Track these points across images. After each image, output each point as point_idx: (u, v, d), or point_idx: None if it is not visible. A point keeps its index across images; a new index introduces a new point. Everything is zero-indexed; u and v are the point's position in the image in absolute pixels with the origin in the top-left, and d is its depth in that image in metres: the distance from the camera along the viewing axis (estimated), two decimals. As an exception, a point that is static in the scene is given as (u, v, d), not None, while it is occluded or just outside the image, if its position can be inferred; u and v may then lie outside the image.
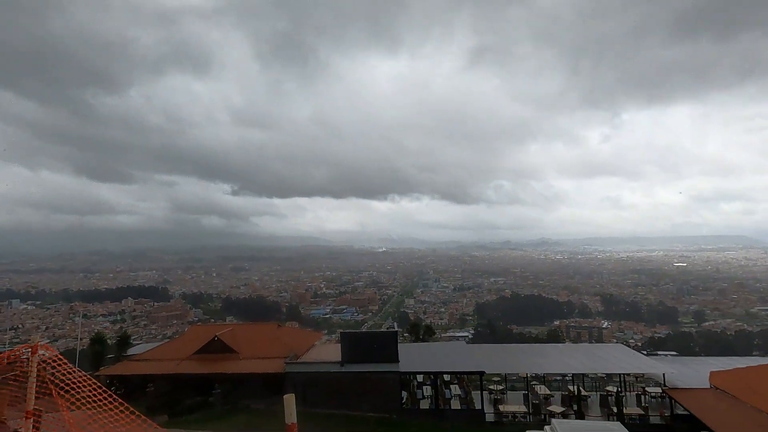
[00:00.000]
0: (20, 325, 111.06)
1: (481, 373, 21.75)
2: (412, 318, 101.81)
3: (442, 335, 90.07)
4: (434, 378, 23.47)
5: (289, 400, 2.42)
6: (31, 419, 3.91)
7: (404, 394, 23.00)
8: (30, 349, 4.42)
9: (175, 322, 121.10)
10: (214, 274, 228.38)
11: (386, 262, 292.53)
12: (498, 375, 27.19)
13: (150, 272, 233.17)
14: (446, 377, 25.63)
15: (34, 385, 3.96)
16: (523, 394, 24.35)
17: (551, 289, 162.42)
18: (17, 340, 75.86)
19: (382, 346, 23.72)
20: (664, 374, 20.97)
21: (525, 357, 24.97)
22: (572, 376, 24.97)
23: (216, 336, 27.75)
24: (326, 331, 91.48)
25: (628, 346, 31.74)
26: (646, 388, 23.73)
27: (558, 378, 31.88)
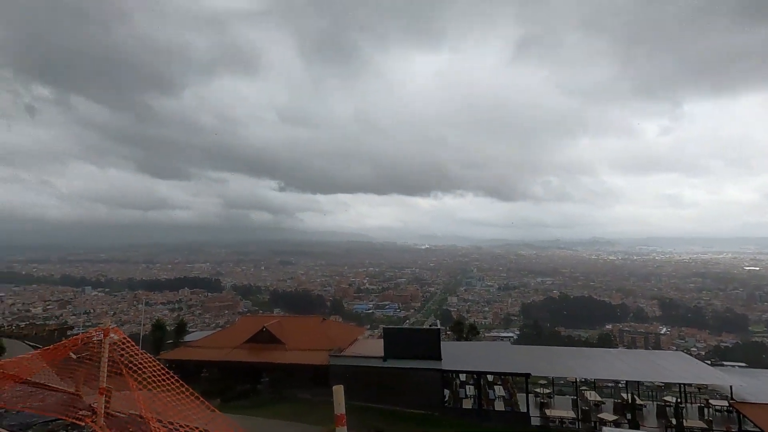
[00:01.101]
0: (92, 310, 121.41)
1: (527, 375, 21.13)
2: (455, 316, 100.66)
3: (486, 335, 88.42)
4: (477, 377, 23.10)
5: (338, 391, 2.48)
6: (104, 396, 4.27)
7: (447, 392, 22.83)
8: (102, 332, 4.80)
9: (226, 312, 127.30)
10: (263, 268, 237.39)
11: (429, 259, 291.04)
12: (545, 378, 26.31)
13: (204, 264, 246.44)
14: (490, 377, 25.16)
15: (106, 364, 4.31)
16: (572, 399, 23.42)
17: (603, 290, 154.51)
18: (89, 323, 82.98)
19: (425, 343, 23.68)
20: (731, 387, 19.37)
21: (574, 360, 23.97)
22: (626, 384, 23.66)
23: (264, 327, 28.91)
24: (369, 326, 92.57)
25: (690, 354, 29.58)
26: (710, 401, 22.04)
27: (610, 384, 30.35)
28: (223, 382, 25.14)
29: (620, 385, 26.97)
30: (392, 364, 23.26)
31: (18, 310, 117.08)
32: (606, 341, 78.80)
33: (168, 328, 37.58)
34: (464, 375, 25.39)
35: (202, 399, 4.08)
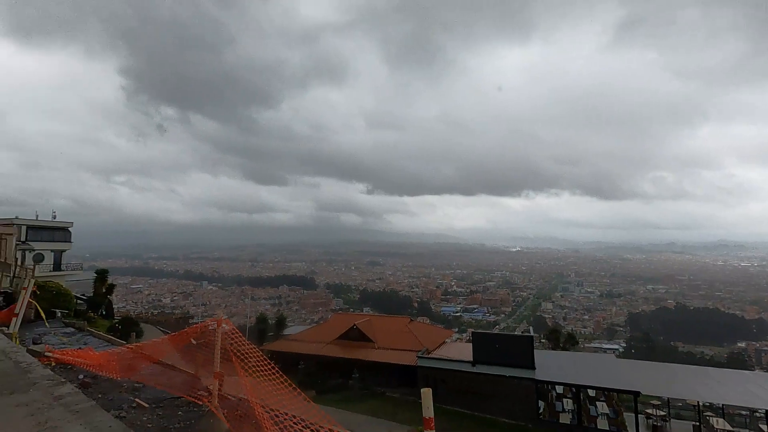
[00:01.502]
0: (208, 302, 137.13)
1: (636, 394, 19.00)
2: (549, 323, 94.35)
3: (586, 345, 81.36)
4: (576, 391, 21.36)
5: (427, 394, 2.47)
6: (218, 380, 4.78)
7: (541, 404, 21.49)
8: (215, 323, 5.36)
9: (320, 309, 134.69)
10: (353, 267, 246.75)
11: (520, 262, 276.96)
12: (657, 398, 23.40)
13: (300, 263, 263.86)
14: (591, 392, 23.11)
15: (219, 352, 4.82)
16: (693, 425, 20.50)
17: (733, 302, 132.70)
18: (206, 314, 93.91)
19: (517, 350, 22.57)
20: None
21: (695, 381, 20.95)
22: (766, 414, 20.02)
23: (354, 325, 30.02)
24: (457, 330, 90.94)
25: None
26: None
27: (744, 413, 25.94)
28: (317, 375, 26.65)
29: (758, 414, 22.91)
30: (482, 369, 22.58)
31: (152, 299, 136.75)
32: (738, 361, 67.55)
33: (270, 321, 40.94)
34: (561, 387, 23.69)
35: (298, 390, 4.37)
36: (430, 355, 25.22)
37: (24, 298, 8.72)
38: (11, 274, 16.36)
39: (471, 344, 24.21)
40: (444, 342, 30.19)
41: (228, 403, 5.28)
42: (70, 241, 40.31)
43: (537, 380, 21.28)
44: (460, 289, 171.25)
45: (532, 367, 21.74)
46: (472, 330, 31.89)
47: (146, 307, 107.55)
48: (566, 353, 29.28)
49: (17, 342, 7.24)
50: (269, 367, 4.60)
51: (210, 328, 6.85)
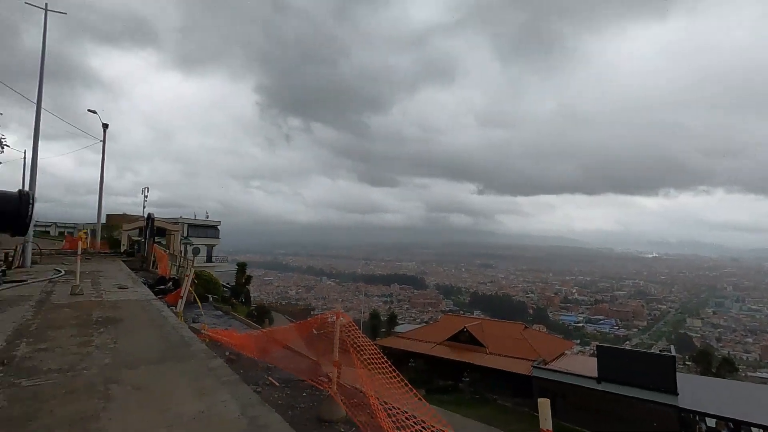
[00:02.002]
0: (326, 296, 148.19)
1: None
2: (698, 344, 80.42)
3: (750, 374, 67.30)
4: (735, 427, 17.84)
5: (545, 405, 2.33)
6: (336, 368, 5.15)
7: (686, 436, 18.50)
8: (335, 315, 5.78)
9: (430, 309, 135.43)
10: (463, 269, 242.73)
11: (658, 270, 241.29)
12: None
13: (410, 263, 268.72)
14: (756, 430, 19.08)
15: (338, 342, 5.19)
16: None
17: None
18: (325, 307, 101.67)
19: (654, 370, 19.77)
20: None
21: None
22: None
23: (465, 327, 29.52)
24: (578, 341, 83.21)
25: None
26: None
27: None
28: (427, 374, 26.87)
29: None
30: (608, 388, 20.30)
31: (281, 291, 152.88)
32: None
33: (382, 317, 42.57)
34: (713, 420, 20.03)
35: (410, 386, 4.48)
36: (547, 366, 23.55)
37: (186, 284, 10.58)
38: (177, 264, 19.87)
39: (596, 358, 21.93)
40: (563, 353, 27.91)
41: (345, 391, 5.66)
42: (218, 237, 47.34)
43: (680, 408, 18.36)
44: (582, 297, 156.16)
45: (674, 392, 18.83)
46: (597, 343, 28.84)
47: (276, 297, 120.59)
48: (720, 380, 24.68)
49: (182, 320, 8.78)
50: (383, 361, 4.80)
51: (329, 320, 7.42)
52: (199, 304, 11.22)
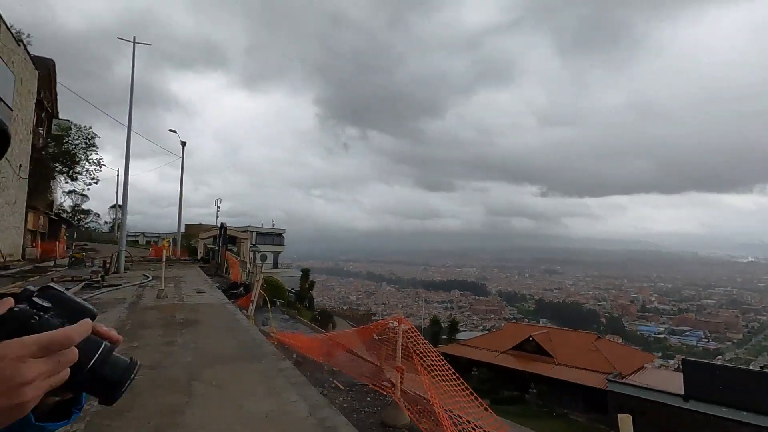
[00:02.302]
0: (387, 302, 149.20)
1: None
2: (808, 361, 70.15)
3: None
4: None
5: (626, 421, 2.18)
6: (399, 373, 5.17)
7: (797, 467, 16.20)
8: (397, 321, 5.81)
9: (492, 316, 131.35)
10: (527, 275, 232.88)
11: (756, 276, 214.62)
12: None
13: (471, 269, 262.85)
14: None
15: (400, 348, 5.21)
16: None
17: None
18: (386, 312, 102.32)
19: (756, 389, 17.58)
20: None
21: None
22: None
23: (531, 336, 28.26)
24: (659, 354, 76.13)
25: None
26: None
27: None
28: (491, 384, 26.03)
29: None
30: (698, 407, 18.37)
31: (342, 296, 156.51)
32: None
33: (442, 324, 42.00)
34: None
35: (475, 395, 4.38)
36: (624, 380, 21.83)
37: (256, 289, 11.23)
38: (247, 270, 21.12)
39: (681, 374, 19.96)
40: (642, 367, 25.74)
41: (408, 397, 5.66)
42: (283, 245, 49.64)
43: (788, 434, 16.15)
44: (663, 306, 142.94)
45: (780, 416, 16.60)
46: (683, 357, 26.21)
47: (337, 302, 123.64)
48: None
49: (253, 323, 9.31)
50: (446, 368, 4.75)
51: (389, 325, 7.47)
52: (269, 308, 11.82)
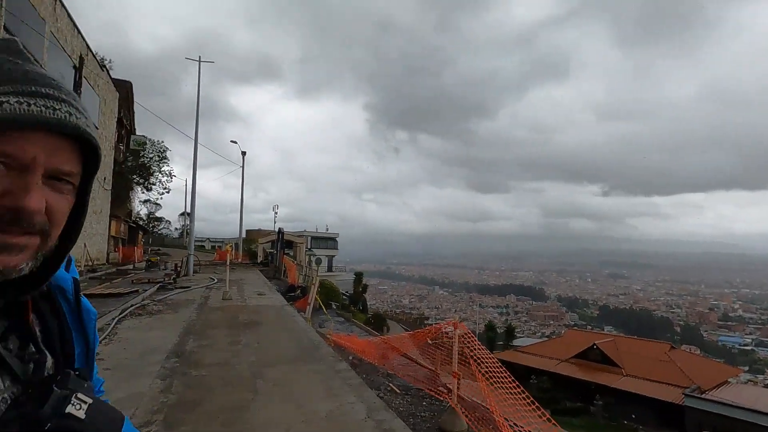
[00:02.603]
0: (439, 306, 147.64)
1: None
2: None
3: None
4: None
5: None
6: (456, 379, 5.10)
7: None
8: (451, 325, 5.74)
9: (551, 322, 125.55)
10: (589, 279, 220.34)
11: None
12: None
13: (527, 273, 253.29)
14: None
15: (457, 353, 5.13)
16: None
17: None
18: (439, 317, 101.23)
19: None
20: None
21: None
22: None
23: (595, 344, 26.67)
24: (746, 368, 68.64)
25: None
26: None
27: None
28: (551, 393, 24.83)
29: None
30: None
31: (394, 299, 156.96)
32: None
33: (498, 330, 40.78)
34: None
35: (537, 404, 4.21)
36: (704, 396, 19.93)
37: (313, 292, 11.59)
38: (303, 273, 21.84)
39: (774, 391, 17.88)
40: (726, 382, 23.37)
41: (465, 403, 5.55)
42: (337, 249, 50.79)
43: None
44: (749, 315, 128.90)
45: None
46: (775, 372, 23.49)
47: (390, 306, 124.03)
48: None
49: (310, 324, 9.61)
50: (505, 375, 4.60)
51: (443, 330, 7.39)
52: (324, 310, 12.15)
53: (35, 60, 0.58)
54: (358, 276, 39.32)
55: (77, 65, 16.01)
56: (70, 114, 0.55)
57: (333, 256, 49.78)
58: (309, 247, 44.17)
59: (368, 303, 42.09)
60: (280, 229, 25.14)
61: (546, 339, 42.86)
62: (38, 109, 0.52)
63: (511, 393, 4.79)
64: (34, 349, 0.65)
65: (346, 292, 38.11)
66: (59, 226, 0.57)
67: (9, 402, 0.53)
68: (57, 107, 0.54)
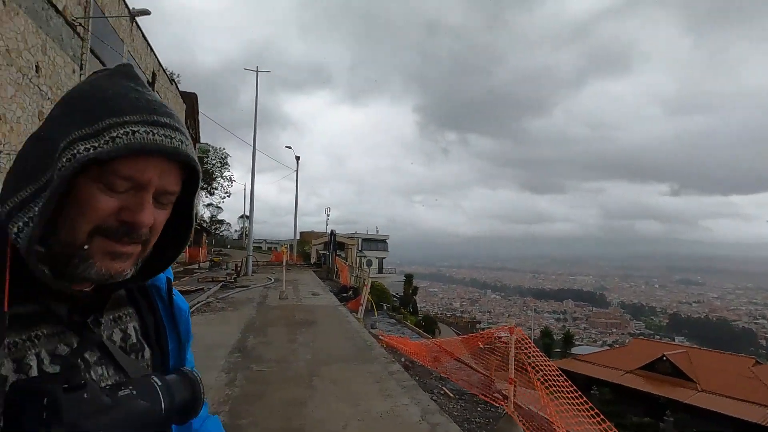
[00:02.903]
0: (492, 310, 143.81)
1: None
2: None
3: None
4: None
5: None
6: (512, 385, 4.95)
7: None
8: (506, 330, 5.59)
9: (614, 330, 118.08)
10: (656, 286, 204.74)
11: None
12: None
13: (587, 277, 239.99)
14: None
15: (513, 358, 4.99)
16: None
17: None
18: (491, 321, 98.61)
19: None
20: None
21: None
22: None
23: (664, 355, 24.74)
24: None
25: None
26: None
27: None
28: (615, 406, 23.32)
29: None
30: None
31: (445, 302, 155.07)
32: None
33: (555, 336, 39.02)
34: None
35: (603, 418, 3.97)
36: (797, 418, 17.82)
37: (365, 293, 11.77)
38: (354, 275, 22.22)
39: None
40: (824, 404, 20.70)
41: (523, 412, 5.37)
42: (387, 250, 51.10)
43: None
44: None
45: None
46: None
47: (441, 308, 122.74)
48: None
49: (362, 325, 9.75)
50: (566, 384, 4.40)
51: (496, 335, 7.20)
52: (375, 311, 12.29)
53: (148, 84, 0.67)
54: (409, 278, 39.30)
55: (150, 81, 17.43)
56: (182, 142, 0.63)
57: (383, 257, 50.15)
58: (360, 248, 44.81)
59: (419, 305, 41.93)
60: (332, 231, 25.78)
61: (608, 348, 40.36)
62: (160, 138, 0.60)
63: (572, 403, 4.56)
64: (135, 341, 0.74)
65: (397, 293, 38.21)
66: (156, 236, 0.66)
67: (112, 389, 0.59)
68: (172, 135, 0.62)
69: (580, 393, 4.24)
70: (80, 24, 10.21)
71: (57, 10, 9.27)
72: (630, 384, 24.10)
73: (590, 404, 4.10)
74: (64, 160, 0.55)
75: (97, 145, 0.56)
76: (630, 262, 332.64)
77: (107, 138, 0.56)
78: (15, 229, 0.55)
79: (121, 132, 0.57)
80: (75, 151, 0.55)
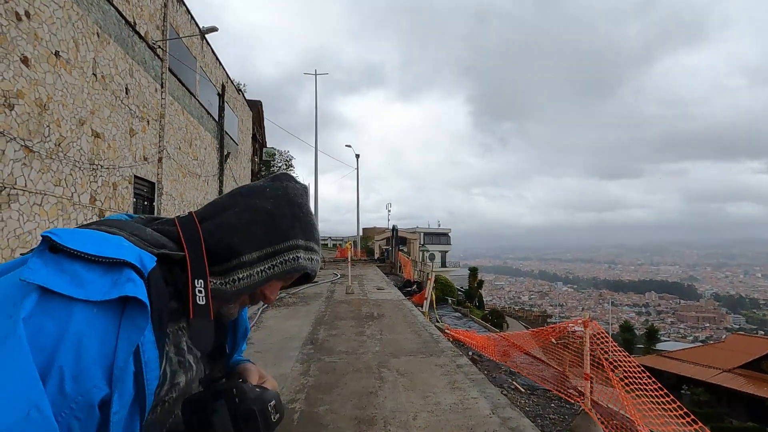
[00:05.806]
0: (564, 303, 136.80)
1: None
2: None
3: None
4: None
5: None
6: (589, 381, 4.72)
7: None
8: (581, 324, 5.33)
9: (707, 325, 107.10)
10: (759, 275, 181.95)
11: None
12: None
13: (672, 267, 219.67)
14: None
15: (588, 353, 4.75)
16: None
17: None
18: (563, 315, 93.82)
19: None
20: None
21: None
22: None
23: (770, 353, 22.01)
24: None
25: None
26: None
27: None
28: (710, 408, 21.23)
29: None
30: None
31: (512, 296, 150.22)
32: None
33: (636, 331, 36.21)
34: None
35: (698, 421, 3.65)
36: None
37: (429, 287, 11.78)
38: (417, 269, 22.27)
39: None
40: None
41: (600, 409, 5.09)
42: (450, 244, 50.57)
43: None
44: None
45: None
46: None
47: (508, 302, 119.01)
48: None
49: (428, 318, 9.78)
50: (650, 383, 4.10)
51: (569, 329, 6.86)
52: (434, 306, 12.25)
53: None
54: (473, 271, 38.59)
55: (220, 92, 18.72)
56: (319, 263, 0.75)
57: (446, 251, 49.67)
58: (422, 243, 44.77)
59: (484, 299, 41.04)
60: (394, 226, 26.02)
61: (700, 344, 36.62)
62: (311, 264, 0.71)
63: (656, 402, 4.25)
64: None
65: (461, 287, 37.70)
66: None
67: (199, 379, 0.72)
68: (317, 259, 0.73)
69: (666, 391, 3.93)
70: (159, 46, 11.24)
71: (140, 36, 10.28)
72: (728, 384, 21.79)
73: (678, 404, 3.78)
74: (291, 257, 0.69)
75: (301, 256, 0.71)
76: (723, 250, 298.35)
77: (293, 256, 0.71)
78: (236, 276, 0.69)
79: (301, 254, 0.71)
80: (297, 255, 0.70)
